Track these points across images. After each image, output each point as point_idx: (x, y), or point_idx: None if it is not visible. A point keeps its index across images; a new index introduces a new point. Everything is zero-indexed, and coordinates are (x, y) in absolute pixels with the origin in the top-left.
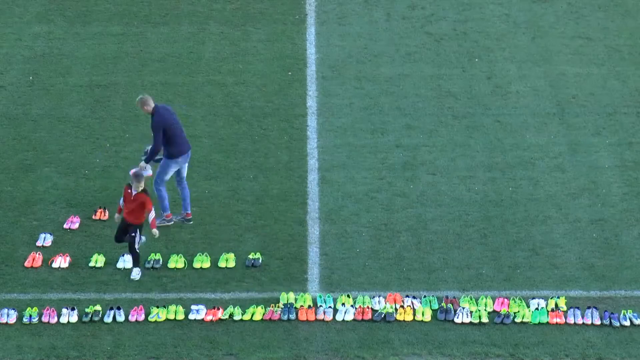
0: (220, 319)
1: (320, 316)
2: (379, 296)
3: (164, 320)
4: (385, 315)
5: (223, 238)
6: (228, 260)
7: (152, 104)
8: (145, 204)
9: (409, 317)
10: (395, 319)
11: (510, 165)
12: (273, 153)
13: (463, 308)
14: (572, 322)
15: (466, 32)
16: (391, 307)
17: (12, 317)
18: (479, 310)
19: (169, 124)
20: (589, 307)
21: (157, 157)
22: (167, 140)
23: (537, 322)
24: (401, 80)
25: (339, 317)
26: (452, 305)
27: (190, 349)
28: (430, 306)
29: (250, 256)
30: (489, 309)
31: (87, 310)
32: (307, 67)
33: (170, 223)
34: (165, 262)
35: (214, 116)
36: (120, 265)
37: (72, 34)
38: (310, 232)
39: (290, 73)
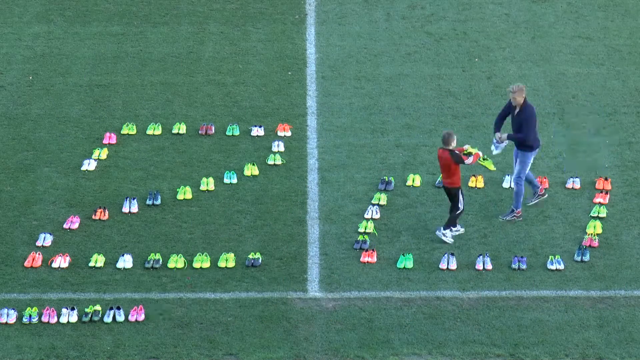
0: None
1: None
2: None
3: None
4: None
5: (223, 238)
6: (228, 260)
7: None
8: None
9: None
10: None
11: (510, 165)
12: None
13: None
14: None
15: (466, 32)
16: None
17: (12, 317)
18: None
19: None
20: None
21: (502, 143)
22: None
23: None
24: (401, 80)
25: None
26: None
27: (190, 349)
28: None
29: (250, 256)
30: None
31: (87, 310)
32: (307, 67)
33: (519, 219)
34: (165, 262)
35: (214, 116)
36: (120, 265)
37: (72, 33)
38: (310, 232)
39: (290, 73)
